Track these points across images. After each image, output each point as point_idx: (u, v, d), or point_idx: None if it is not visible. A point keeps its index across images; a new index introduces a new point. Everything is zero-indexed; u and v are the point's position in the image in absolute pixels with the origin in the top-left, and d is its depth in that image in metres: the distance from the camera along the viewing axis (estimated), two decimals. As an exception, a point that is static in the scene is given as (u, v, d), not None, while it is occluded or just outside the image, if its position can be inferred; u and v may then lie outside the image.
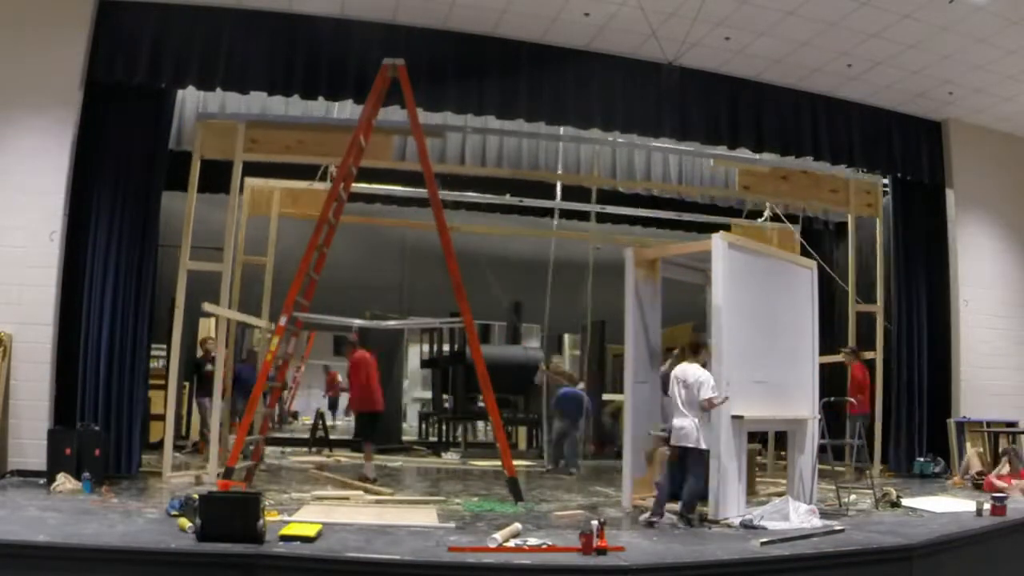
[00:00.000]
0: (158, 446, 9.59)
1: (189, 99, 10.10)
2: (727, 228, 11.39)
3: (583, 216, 12.42)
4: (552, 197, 12.33)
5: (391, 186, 11.87)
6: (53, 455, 7.77)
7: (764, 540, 5.94)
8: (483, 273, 12.04)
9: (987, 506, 7.33)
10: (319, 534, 5.52)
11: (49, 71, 8.49)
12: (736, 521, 6.77)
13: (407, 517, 6.71)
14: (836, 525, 6.64)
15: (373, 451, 9.72)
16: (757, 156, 11.28)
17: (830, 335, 11.04)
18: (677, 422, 6.95)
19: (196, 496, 5.56)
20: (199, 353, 11.67)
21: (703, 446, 6.90)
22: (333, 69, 9.24)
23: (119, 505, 6.82)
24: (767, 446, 11.70)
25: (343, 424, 17.41)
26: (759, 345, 7.58)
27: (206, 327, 12.55)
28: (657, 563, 5.31)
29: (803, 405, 8.16)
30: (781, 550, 5.79)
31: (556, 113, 10.09)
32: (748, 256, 7.73)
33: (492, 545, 5.49)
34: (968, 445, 10.67)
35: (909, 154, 11.63)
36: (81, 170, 8.64)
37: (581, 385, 11.92)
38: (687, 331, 12.47)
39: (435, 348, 14.39)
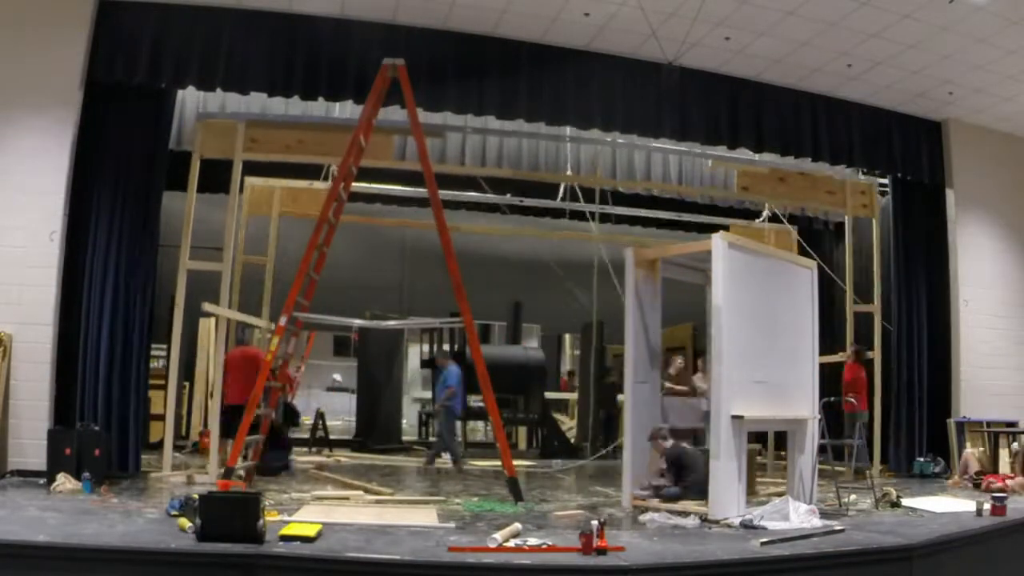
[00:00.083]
0: (158, 446, 9.58)
1: (189, 99, 10.11)
2: (726, 229, 11.40)
3: (583, 216, 12.43)
4: (551, 197, 12.34)
5: (391, 186, 11.88)
6: (53, 455, 7.77)
7: (764, 540, 5.94)
8: (483, 273, 12.05)
9: (987, 506, 7.33)
10: (319, 534, 5.52)
11: (49, 71, 8.49)
12: (736, 521, 6.77)
13: (407, 517, 6.70)
14: (836, 525, 6.64)
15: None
16: (756, 157, 11.30)
17: (830, 335, 11.04)
18: None
19: (196, 496, 5.56)
20: None
21: None
22: (333, 69, 9.24)
23: (119, 505, 6.82)
24: (767, 446, 11.71)
25: (343, 424, 17.39)
26: (759, 345, 7.58)
27: (206, 327, 12.55)
28: (657, 563, 5.30)
29: (803, 405, 8.15)
30: (781, 550, 5.78)
31: (556, 113, 10.09)
32: (748, 256, 7.73)
33: (492, 545, 5.49)
34: (968, 444, 10.66)
35: (909, 154, 11.63)
36: (81, 170, 8.64)
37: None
38: (687, 331, 12.53)
39: (435, 348, 14.39)
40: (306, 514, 6.56)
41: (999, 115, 11.54)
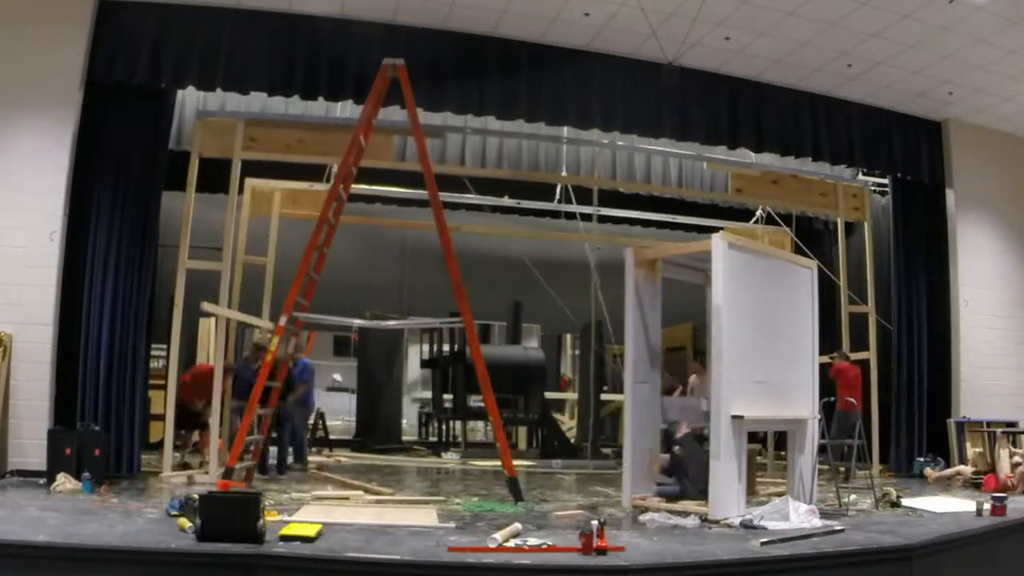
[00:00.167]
0: (158, 446, 9.58)
1: (189, 99, 10.10)
2: (723, 230, 11.41)
3: (583, 217, 12.42)
4: (551, 198, 12.34)
5: (391, 188, 11.87)
6: (53, 455, 7.77)
7: (764, 540, 5.94)
8: (483, 273, 12.03)
9: (987, 506, 7.33)
10: (319, 534, 5.52)
11: (49, 71, 8.49)
12: (736, 521, 6.77)
13: (407, 517, 6.70)
14: (836, 525, 6.64)
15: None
16: (753, 159, 11.31)
17: (830, 335, 11.04)
18: None
19: (196, 496, 5.56)
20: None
21: None
22: (333, 69, 9.24)
23: (119, 505, 6.82)
24: (767, 446, 11.71)
25: (343, 424, 17.39)
26: (759, 345, 7.57)
27: (206, 327, 12.55)
28: (657, 563, 5.30)
29: (803, 405, 8.15)
30: (781, 550, 5.78)
31: (556, 113, 10.09)
32: (748, 256, 7.73)
33: (492, 545, 5.49)
34: (968, 444, 10.65)
35: (909, 154, 11.64)
36: (81, 170, 8.64)
37: None
38: (687, 331, 12.53)
39: (435, 348, 14.39)
40: (306, 514, 6.56)
41: (999, 115, 11.54)
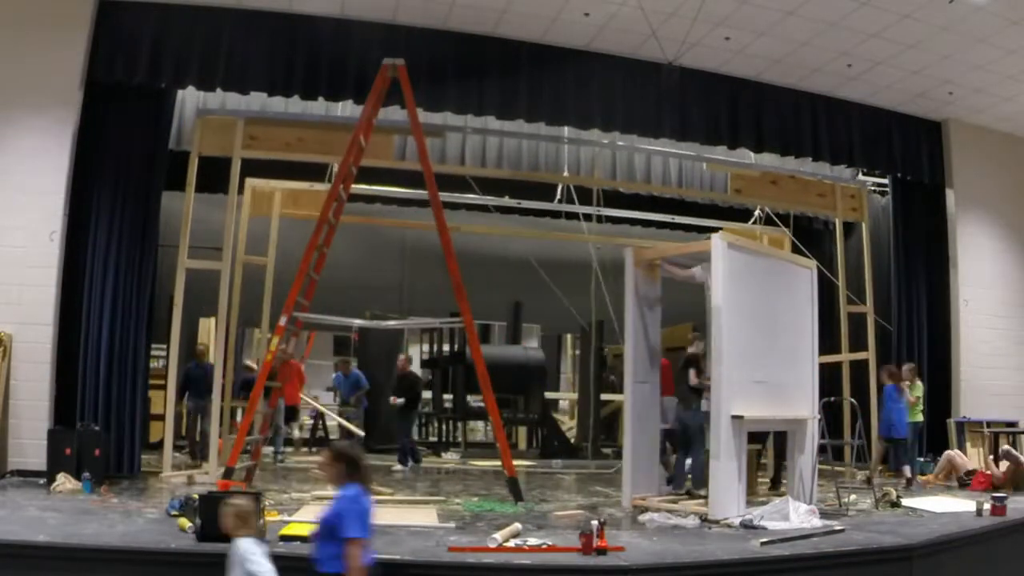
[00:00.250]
0: (158, 446, 9.58)
1: (189, 99, 10.10)
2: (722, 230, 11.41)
3: (584, 217, 12.42)
4: (551, 198, 12.33)
5: (391, 188, 11.86)
6: (53, 455, 7.78)
7: (764, 540, 5.94)
8: (483, 273, 12.01)
9: (987, 506, 7.33)
10: (319, 534, 5.51)
11: (49, 71, 8.50)
12: (736, 521, 6.77)
13: (407, 517, 6.70)
14: (836, 525, 6.64)
15: None
16: (753, 160, 11.30)
17: (829, 335, 11.05)
18: None
19: (196, 496, 5.55)
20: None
21: None
22: (333, 69, 9.25)
23: (119, 505, 6.83)
24: (767, 446, 11.68)
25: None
26: (759, 345, 7.57)
27: (206, 327, 12.55)
28: (657, 563, 5.31)
29: (803, 405, 8.15)
30: (781, 550, 5.78)
31: (556, 113, 10.10)
32: (748, 256, 7.73)
33: (492, 545, 5.49)
34: (968, 444, 10.66)
35: (909, 154, 11.64)
36: (81, 170, 8.65)
37: None
38: (687, 331, 12.50)
39: (435, 348, 14.38)
40: (306, 514, 6.55)
41: (999, 115, 11.55)
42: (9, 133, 8.47)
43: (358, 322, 10.41)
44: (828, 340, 10.13)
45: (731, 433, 7.14)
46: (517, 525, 6.11)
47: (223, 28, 9.04)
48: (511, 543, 5.60)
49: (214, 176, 9.86)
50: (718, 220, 12.70)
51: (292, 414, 12.01)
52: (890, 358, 11.52)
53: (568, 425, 15.27)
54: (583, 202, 12.02)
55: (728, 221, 12.67)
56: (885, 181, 12.23)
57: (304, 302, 8.45)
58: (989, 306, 11.73)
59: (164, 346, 9.76)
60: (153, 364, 10.34)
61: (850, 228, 12.47)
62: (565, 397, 17.07)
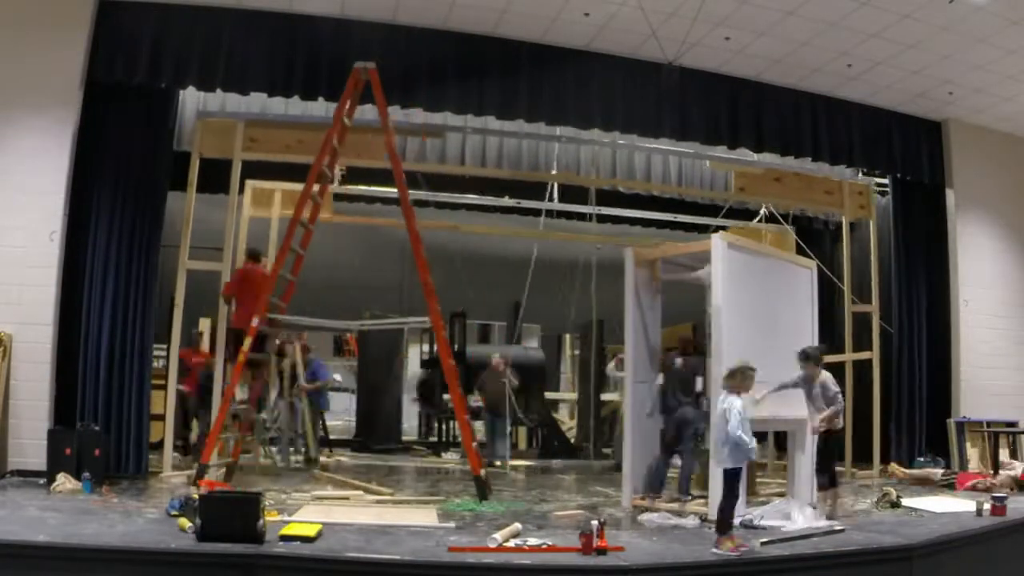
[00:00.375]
0: (158, 446, 9.58)
1: (189, 99, 10.10)
2: (725, 229, 11.39)
3: (583, 216, 12.42)
4: (552, 198, 12.32)
5: (391, 188, 11.83)
6: (53, 455, 7.77)
7: (764, 540, 5.94)
8: (483, 273, 12.01)
9: (987, 506, 7.33)
10: (319, 534, 5.52)
11: (49, 71, 8.49)
12: (736, 521, 6.76)
13: (407, 517, 6.71)
14: (836, 525, 6.64)
15: None
16: (755, 158, 11.29)
17: (831, 335, 11.05)
18: None
19: (196, 496, 5.56)
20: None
21: None
22: (333, 69, 9.22)
23: (119, 505, 6.83)
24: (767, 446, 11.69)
25: (343, 424, 17.38)
26: (759, 345, 7.55)
27: (206, 327, 12.53)
28: (657, 563, 5.31)
29: (803, 405, 8.13)
30: (781, 550, 5.79)
31: (556, 113, 10.08)
32: (748, 256, 7.73)
33: (492, 545, 5.49)
34: (968, 444, 10.66)
35: (909, 154, 11.64)
36: (81, 170, 8.65)
37: None
38: (687, 331, 12.50)
39: (434, 348, 14.38)
40: (306, 514, 6.56)
41: (999, 115, 11.54)
42: (9, 133, 8.47)
43: (354, 324, 10.39)
44: (828, 340, 10.12)
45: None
46: (517, 525, 6.11)
47: (223, 28, 9.04)
48: (511, 543, 5.61)
49: (214, 176, 9.86)
50: (718, 219, 12.71)
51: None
52: (890, 358, 11.53)
53: (568, 425, 15.27)
54: (583, 203, 12.03)
55: (728, 220, 12.69)
56: (885, 181, 12.21)
57: (280, 304, 8.47)
58: (989, 306, 11.72)
59: (164, 346, 9.76)
60: (153, 364, 10.31)
61: (850, 227, 12.45)
62: (565, 397, 17.06)
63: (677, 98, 9.92)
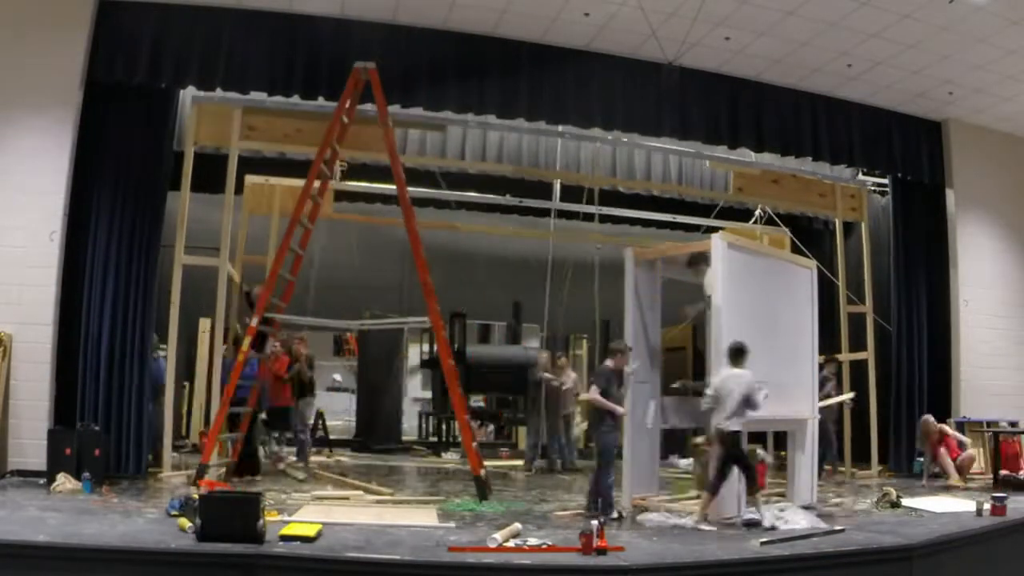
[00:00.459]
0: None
1: (189, 99, 10.08)
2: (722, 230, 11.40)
3: (583, 216, 12.42)
4: (551, 197, 12.32)
5: (391, 186, 11.83)
6: (53, 455, 7.78)
7: (764, 540, 5.94)
8: (483, 273, 12.00)
9: (987, 506, 7.33)
10: (319, 534, 5.52)
11: (49, 71, 8.49)
12: (736, 521, 6.77)
13: (407, 517, 6.71)
14: (836, 525, 6.64)
15: None
16: (754, 158, 11.30)
17: (829, 335, 11.05)
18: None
19: (196, 496, 5.56)
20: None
21: None
22: (333, 69, 9.22)
23: (119, 505, 6.82)
24: (767, 446, 11.69)
25: (343, 424, 17.39)
26: (759, 345, 7.54)
27: (206, 327, 12.53)
28: (657, 563, 5.31)
29: (803, 405, 8.15)
30: (781, 550, 5.78)
31: (556, 113, 10.10)
32: (748, 256, 7.73)
33: (492, 545, 5.49)
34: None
35: (909, 154, 11.64)
36: (81, 170, 8.65)
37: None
38: (687, 331, 12.51)
39: (435, 348, 14.38)
40: (306, 514, 6.56)
41: (999, 115, 11.54)
42: (9, 133, 8.47)
43: (354, 323, 10.38)
44: (828, 340, 10.13)
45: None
46: (517, 525, 6.11)
47: (223, 28, 9.03)
48: (511, 543, 5.60)
49: (214, 176, 9.84)
50: (718, 220, 12.71)
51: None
52: (890, 358, 11.53)
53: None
54: (582, 203, 12.03)
55: (727, 220, 12.68)
56: (885, 181, 12.22)
57: (280, 304, 8.46)
58: (989, 306, 11.72)
59: (164, 346, 9.76)
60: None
61: (850, 228, 12.47)
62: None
63: (677, 98, 9.92)
